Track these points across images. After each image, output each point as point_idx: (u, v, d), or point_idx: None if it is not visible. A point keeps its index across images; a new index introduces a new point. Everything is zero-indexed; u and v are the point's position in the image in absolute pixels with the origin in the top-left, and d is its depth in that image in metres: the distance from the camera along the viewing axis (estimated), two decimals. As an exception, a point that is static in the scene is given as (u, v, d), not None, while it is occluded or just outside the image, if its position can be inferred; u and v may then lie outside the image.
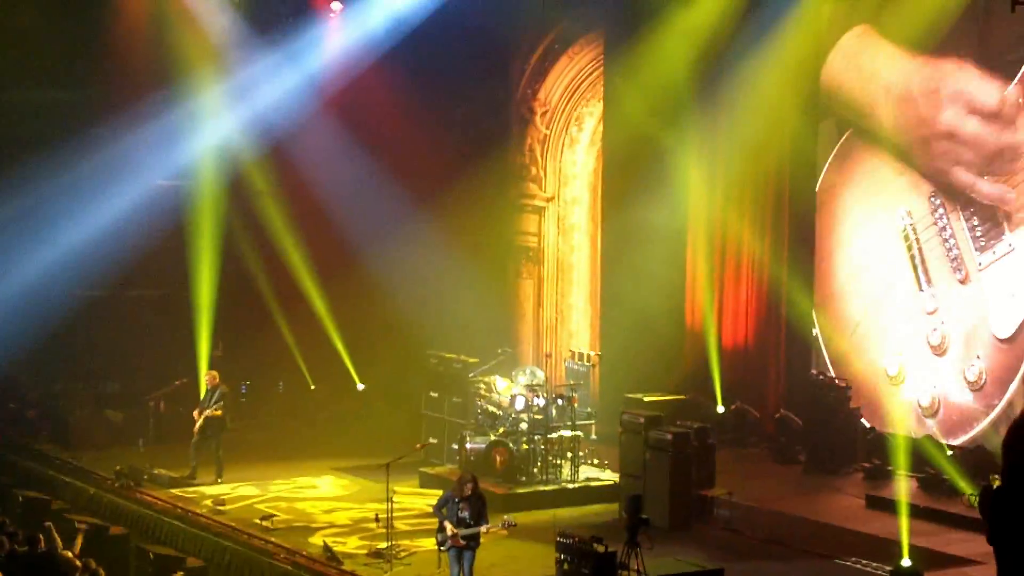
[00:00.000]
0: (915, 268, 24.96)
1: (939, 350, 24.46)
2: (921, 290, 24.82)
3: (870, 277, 25.92)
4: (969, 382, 23.98)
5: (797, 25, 26.26)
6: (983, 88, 23.63)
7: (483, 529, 18.91)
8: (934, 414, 24.41)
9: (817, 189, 26.65)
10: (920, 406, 24.59)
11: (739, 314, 28.16)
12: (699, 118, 27.72)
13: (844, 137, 26.29)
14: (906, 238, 25.07)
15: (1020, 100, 23.05)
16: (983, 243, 23.58)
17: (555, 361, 29.66)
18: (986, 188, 23.62)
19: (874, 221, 25.79)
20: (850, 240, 26.31)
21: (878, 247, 25.68)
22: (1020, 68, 23.02)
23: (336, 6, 30.88)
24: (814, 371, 26.54)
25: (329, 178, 29.87)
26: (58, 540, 18.45)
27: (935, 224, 24.50)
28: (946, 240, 24.29)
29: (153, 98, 29.60)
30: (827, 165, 26.54)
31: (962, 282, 24.08)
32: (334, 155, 29.98)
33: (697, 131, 27.78)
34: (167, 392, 26.86)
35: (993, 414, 23.45)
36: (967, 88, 23.90)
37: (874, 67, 25.71)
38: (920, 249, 24.78)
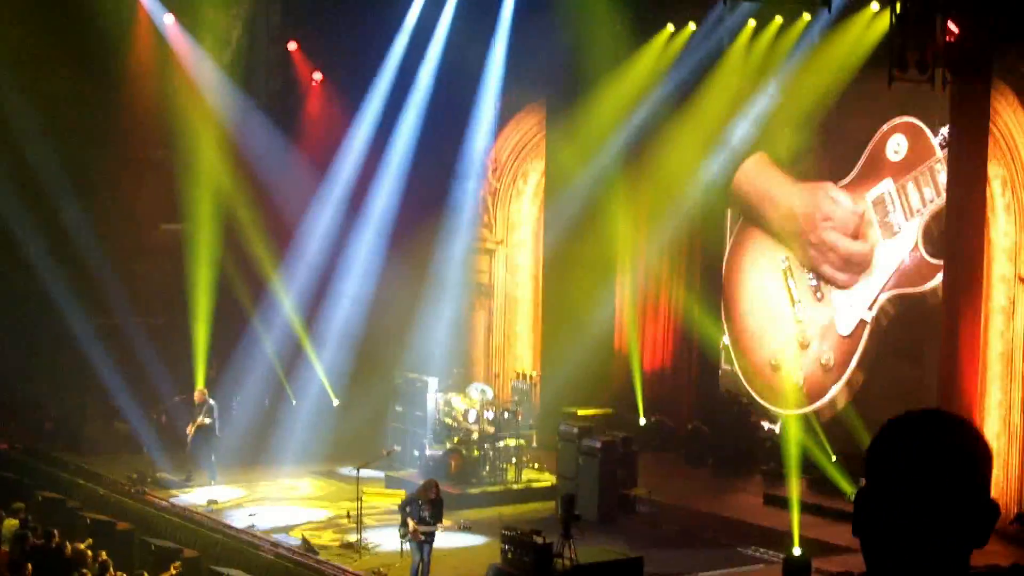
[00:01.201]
0: (789, 291, 26.24)
1: (804, 345, 26.21)
2: (793, 306, 26.25)
3: (761, 304, 27.02)
4: (822, 364, 25.64)
5: (710, 95, 26.69)
6: (844, 211, 25.79)
7: (440, 528, 19.20)
8: (801, 388, 25.91)
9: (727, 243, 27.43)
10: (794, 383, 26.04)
11: (658, 341, 28.46)
12: (626, 175, 27.95)
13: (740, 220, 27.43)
14: (783, 273, 26.29)
15: (866, 214, 25.28)
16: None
17: (502, 380, 29.71)
18: (842, 278, 25.67)
19: (763, 265, 26.84)
20: (748, 279, 27.22)
21: (767, 284, 27.01)
22: (864, 186, 24.88)
23: (317, 76, 31.04)
24: (723, 390, 26.95)
25: (310, 222, 29.89)
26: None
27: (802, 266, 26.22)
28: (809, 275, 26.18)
29: (160, 154, 29.77)
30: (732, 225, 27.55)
31: (819, 300, 25.70)
32: (315, 203, 30.01)
33: (625, 186, 27.96)
34: (168, 407, 26.80)
35: (839, 384, 25.64)
36: (833, 211, 25.92)
37: (768, 188, 26.75)
38: (793, 280, 26.19)
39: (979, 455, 3.27)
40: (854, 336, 25.75)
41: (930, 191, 24.29)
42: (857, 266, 25.75)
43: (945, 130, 23.59)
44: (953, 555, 3.22)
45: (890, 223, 25.20)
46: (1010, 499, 21.35)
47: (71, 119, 29.15)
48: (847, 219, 25.80)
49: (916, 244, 24.60)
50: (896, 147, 25.19)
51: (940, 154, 24.41)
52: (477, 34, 28.42)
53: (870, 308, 25.29)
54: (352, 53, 29.86)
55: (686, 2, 27.07)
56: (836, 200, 25.91)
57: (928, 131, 24.20)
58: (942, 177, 24.22)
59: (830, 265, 26.11)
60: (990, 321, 22.18)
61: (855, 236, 25.82)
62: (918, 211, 24.48)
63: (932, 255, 24.10)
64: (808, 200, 26.44)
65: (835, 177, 26.03)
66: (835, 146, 26.19)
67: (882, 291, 25.27)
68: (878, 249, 25.40)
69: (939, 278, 23.95)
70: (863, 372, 25.56)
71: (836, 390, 25.85)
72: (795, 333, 26.61)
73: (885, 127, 25.05)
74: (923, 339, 24.04)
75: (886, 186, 25.38)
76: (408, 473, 25.34)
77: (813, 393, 26.07)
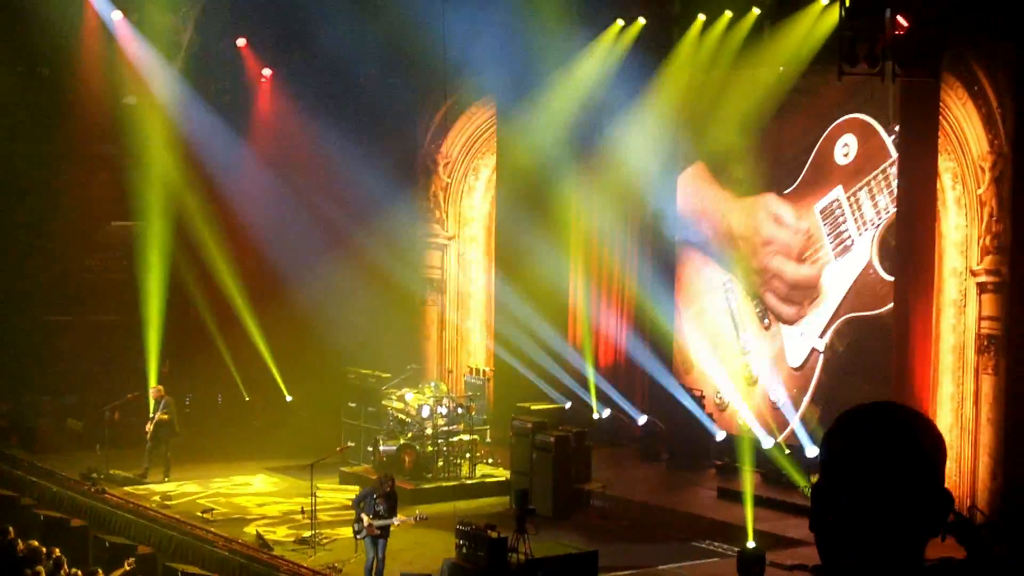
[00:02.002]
0: (732, 318, 25.86)
1: (751, 381, 25.68)
2: (737, 336, 25.96)
3: (704, 332, 26.74)
4: (771, 404, 25.11)
5: (660, 89, 26.55)
6: (788, 231, 25.14)
7: (395, 521, 19.02)
8: (749, 430, 25.15)
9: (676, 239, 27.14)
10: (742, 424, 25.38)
11: (612, 336, 28.33)
12: (578, 170, 27.80)
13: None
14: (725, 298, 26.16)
15: (813, 230, 24.60)
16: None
17: (456, 376, 29.46)
18: (787, 311, 25.00)
19: (704, 287, 26.81)
20: (692, 300, 26.95)
21: (708, 307, 26.75)
22: (810, 196, 24.40)
23: (266, 72, 30.81)
24: (677, 382, 26.77)
25: (262, 219, 29.63)
26: None
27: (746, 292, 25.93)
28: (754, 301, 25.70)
29: (110, 150, 29.50)
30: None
31: (766, 329, 25.30)
32: (267, 199, 29.81)
33: (576, 181, 27.82)
34: (121, 403, 26.57)
35: (793, 422, 24.56)
36: (775, 233, 25.36)
37: (704, 206, 26.57)
38: (736, 306, 26.11)
39: (932, 445, 3.29)
40: (807, 368, 24.94)
41: (884, 199, 23.85)
42: (804, 294, 24.88)
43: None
44: (908, 545, 3.23)
45: (842, 237, 24.59)
46: (963, 491, 21.23)
47: (20, 116, 28.93)
48: (791, 240, 25.02)
49: (870, 261, 24.02)
50: (845, 149, 24.81)
51: (896, 155, 24.02)
52: (428, 25, 28.20)
53: (822, 336, 24.81)
54: (301, 48, 29.68)
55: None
56: (779, 218, 25.14)
57: (881, 130, 23.86)
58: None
59: (774, 294, 25.16)
60: (942, 314, 22.06)
61: (801, 258, 25.02)
62: (872, 223, 23.87)
63: (889, 272, 23.44)
64: (747, 220, 25.76)
65: (778, 187, 25.42)
66: (778, 150, 25.79)
67: (835, 317, 24.42)
68: (828, 269, 24.46)
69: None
70: (818, 406, 24.41)
71: (787, 431, 24.74)
72: (740, 367, 25.95)
73: (832, 126, 24.79)
74: (884, 360, 23.49)
75: (836, 195, 25.01)
76: (362, 469, 25.21)
77: (765, 431, 25.08)
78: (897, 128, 22.79)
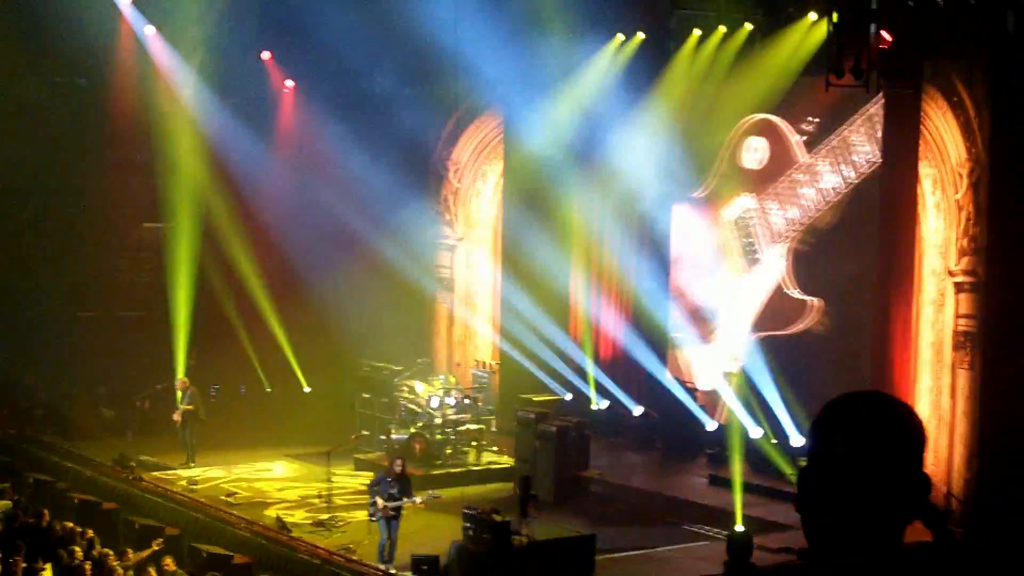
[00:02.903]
0: None
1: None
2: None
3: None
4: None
5: (657, 100, 26.43)
6: (696, 240, 25.81)
7: (413, 501, 18.96)
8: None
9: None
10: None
11: (610, 332, 28.16)
12: (579, 175, 27.67)
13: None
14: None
15: (723, 239, 24.76)
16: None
17: (463, 369, 29.39)
18: (689, 338, 25.45)
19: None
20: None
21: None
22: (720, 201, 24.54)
23: (289, 83, 30.73)
24: (670, 376, 26.62)
25: (283, 221, 29.61)
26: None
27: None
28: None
29: (141, 157, 29.45)
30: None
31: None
32: (288, 202, 29.76)
33: (578, 185, 27.70)
34: (150, 394, 26.63)
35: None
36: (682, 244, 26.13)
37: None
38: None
39: (914, 432, 3.30)
40: (714, 392, 25.08)
41: (795, 211, 23.71)
42: (705, 322, 24.73)
43: (809, 127, 23.59)
44: (890, 527, 3.24)
45: (752, 249, 24.34)
46: (940, 480, 21.07)
47: (60, 125, 29.02)
48: (699, 248, 24.95)
49: (782, 277, 23.73)
50: (755, 151, 24.66)
51: (805, 159, 23.99)
52: (440, 41, 28.16)
53: (735, 360, 24.67)
54: (321, 61, 29.58)
55: (635, 13, 26.74)
56: (687, 223, 25.04)
57: (788, 130, 23.78)
58: (809, 192, 24.00)
59: (679, 313, 25.24)
60: (921, 312, 21.93)
61: (708, 271, 24.88)
62: (781, 235, 23.71)
63: (802, 291, 23.07)
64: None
65: (689, 189, 25.23)
66: (690, 151, 25.67)
67: (748, 336, 24.35)
68: (738, 285, 24.43)
69: (810, 318, 23.69)
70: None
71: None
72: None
73: (739, 125, 24.63)
74: (802, 379, 23.40)
75: (745, 203, 24.92)
76: (375, 456, 25.08)
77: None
78: (807, 127, 22.71)
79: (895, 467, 3.24)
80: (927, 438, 3.30)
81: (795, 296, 23.74)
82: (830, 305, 24.13)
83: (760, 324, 24.78)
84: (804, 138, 23.22)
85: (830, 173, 23.90)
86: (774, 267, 23.86)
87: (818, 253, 24.21)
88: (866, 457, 3.23)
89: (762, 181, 24.53)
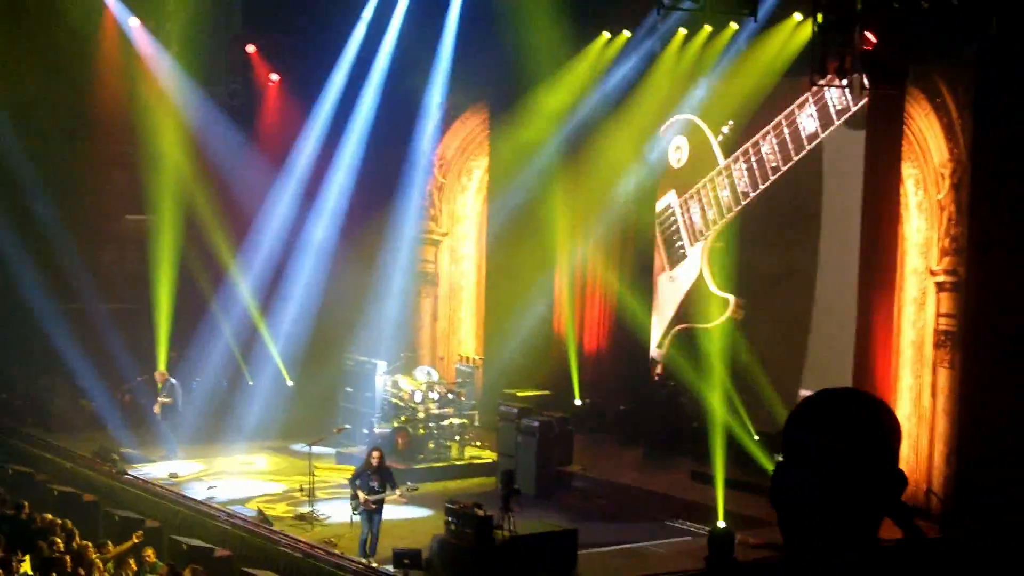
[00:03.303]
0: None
1: None
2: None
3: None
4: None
5: (642, 98, 26.52)
6: None
7: (393, 494, 19.01)
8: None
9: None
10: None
11: (594, 327, 28.27)
12: (565, 172, 27.72)
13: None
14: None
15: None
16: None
17: (447, 363, 29.40)
18: None
19: None
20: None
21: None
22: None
23: (274, 77, 30.74)
24: (655, 374, 26.70)
25: (266, 213, 29.62)
26: None
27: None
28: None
29: (125, 149, 29.41)
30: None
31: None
32: (271, 196, 29.75)
33: (562, 181, 27.72)
34: (131, 386, 26.56)
35: None
36: None
37: None
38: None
39: (889, 429, 3.38)
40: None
41: (713, 212, 23.97)
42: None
43: (726, 128, 23.90)
44: (864, 522, 3.27)
45: (676, 244, 24.59)
46: (920, 477, 21.23)
47: (43, 118, 28.90)
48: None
49: (700, 273, 24.03)
50: (677, 151, 24.94)
51: (722, 162, 24.27)
52: (426, 37, 28.21)
53: (659, 346, 24.88)
54: (307, 56, 29.65)
55: (621, 11, 26.84)
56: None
57: (709, 133, 24.12)
58: (725, 194, 24.32)
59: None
60: (903, 311, 22.08)
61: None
62: (701, 233, 24.04)
63: (718, 287, 23.31)
64: None
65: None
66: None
67: (670, 326, 24.58)
68: (662, 279, 24.64)
69: (726, 314, 24.00)
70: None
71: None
72: None
73: (665, 124, 24.88)
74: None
75: (671, 199, 25.22)
76: (357, 450, 24.99)
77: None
78: (724, 128, 22.93)
79: (870, 463, 3.28)
80: (901, 434, 3.36)
81: (714, 292, 24.17)
82: (746, 301, 24.59)
83: (682, 316, 25.15)
84: (720, 139, 23.70)
85: (745, 175, 24.38)
86: (695, 265, 24.33)
87: (735, 251, 24.85)
88: (841, 453, 3.26)
89: (686, 181, 24.91)
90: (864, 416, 3.34)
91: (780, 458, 3.48)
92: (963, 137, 20.77)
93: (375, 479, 19.08)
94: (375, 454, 19.50)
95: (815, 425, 3.32)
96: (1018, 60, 19.98)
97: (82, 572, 17.10)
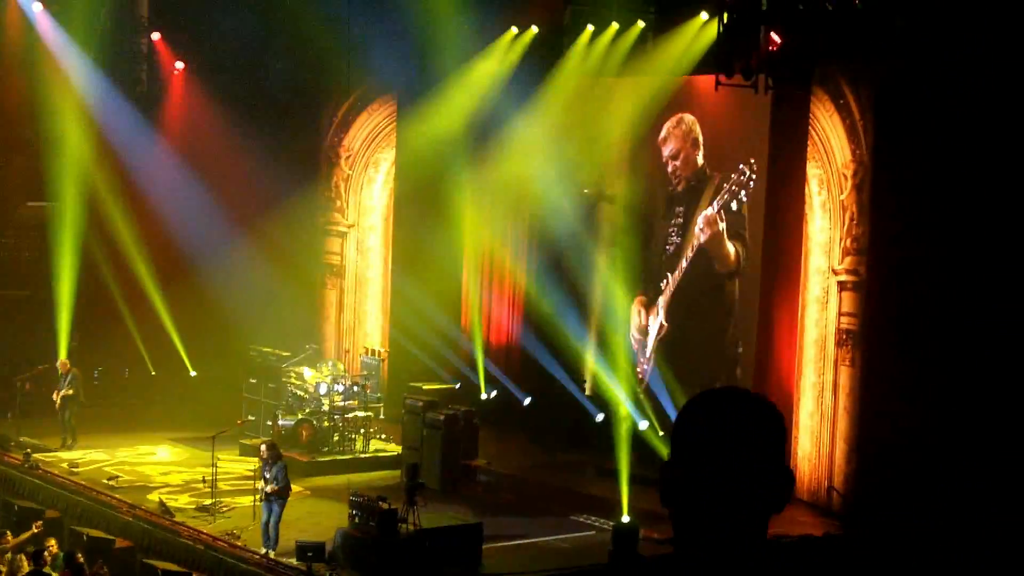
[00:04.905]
0: None
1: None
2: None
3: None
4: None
5: (549, 94, 26.70)
6: None
7: (273, 487, 19.05)
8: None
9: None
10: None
11: (502, 320, 28.39)
12: (472, 166, 27.79)
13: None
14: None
15: None
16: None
17: (352, 356, 29.27)
18: None
19: None
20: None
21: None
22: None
23: (179, 64, 30.56)
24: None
25: (171, 203, 29.30)
26: None
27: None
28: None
29: (26, 135, 29.11)
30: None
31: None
32: (176, 185, 29.51)
33: (470, 174, 27.81)
34: (32, 375, 26.24)
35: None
36: None
37: None
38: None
39: (774, 425, 3.34)
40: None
41: None
42: None
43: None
44: (753, 520, 3.28)
45: None
46: (822, 474, 21.58)
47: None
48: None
49: None
50: None
51: None
52: (332, 25, 28.14)
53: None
54: (212, 43, 29.41)
55: (529, 6, 27.00)
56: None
57: None
58: None
59: None
60: (806, 310, 22.42)
61: None
62: None
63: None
64: None
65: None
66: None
67: None
68: None
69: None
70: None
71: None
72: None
73: None
74: None
75: None
76: (260, 441, 24.93)
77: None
78: None
79: (757, 461, 3.30)
80: (785, 428, 3.43)
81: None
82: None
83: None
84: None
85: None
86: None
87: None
88: (727, 451, 3.29)
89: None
90: (749, 414, 3.35)
91: (665, 458, 3.53)
92: (865, 138, 21.11)
93: (267, 470, 19.22)
94: (262, 447, 19.66)
95: (700, 424, 3.36)
96: (920, 63, 20.35)
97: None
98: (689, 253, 24.60)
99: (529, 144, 26.77)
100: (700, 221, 24.33)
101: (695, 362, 24.32)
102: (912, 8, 20.37)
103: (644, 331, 25.62)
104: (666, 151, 25.13)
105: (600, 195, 26.31)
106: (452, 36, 26.78)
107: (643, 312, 25.66)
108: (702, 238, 24.26)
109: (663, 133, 25.12)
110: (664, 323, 25.10)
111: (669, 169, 25.10)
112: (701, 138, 24.66)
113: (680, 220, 24.95)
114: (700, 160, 24.61)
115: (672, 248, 25.03)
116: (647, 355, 25.39)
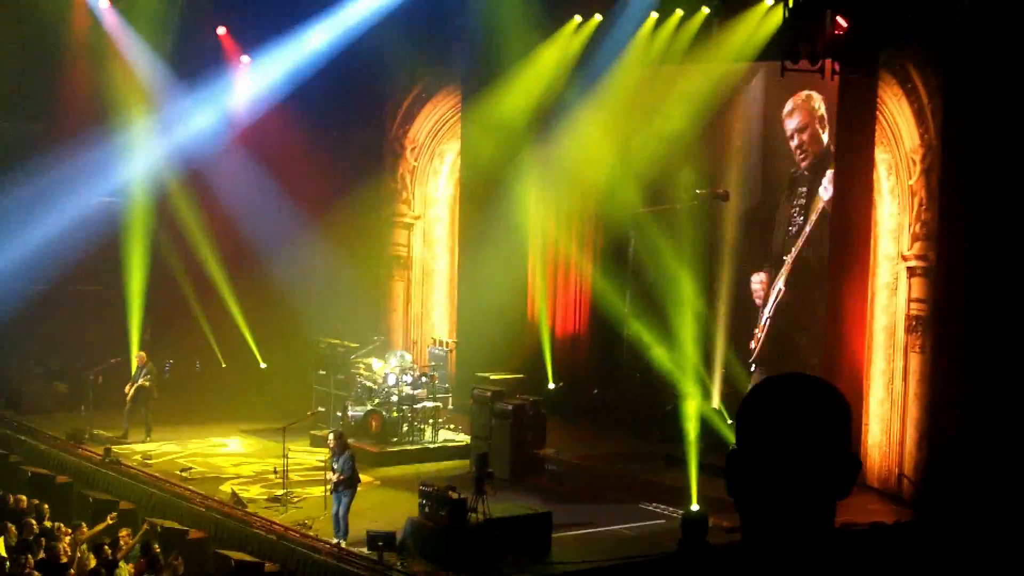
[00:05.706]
0: None
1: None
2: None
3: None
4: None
5: (613, 82, 26.66)
6: None
7: (340, 476, 19.13)
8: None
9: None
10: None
11: (568, 310, 28.36)
12: (536, 155, 27.80)
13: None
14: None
15: None
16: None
17: (420, 347, 29.40)
18: None
19: None
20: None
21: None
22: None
23: (245, 59, 30.71)
24: (626, 358, 26.83)
25: (239, 197, 29.48)
26: None
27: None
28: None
29: (92, 129, 29.36)
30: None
31: None
32: (244, 179, 29.62)
33: (535, 166, 27.81)
34: (104, 368, 26.42)
35: None
36: None
37: None
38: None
39: (839, 412, 3.47)
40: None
41: None
42: None
43: None
44: (820, 506, 3.40)
45: None
46: (892, 461, 21.41)
47: (14, 98, 28.85)
48: None
49: None
50: None
51: None
52: (398, 18, 28.22)
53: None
54: (277, 37, 29.50)
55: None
56: None
57: None
58: None
59: None
60: (876, 297, 22.26)
61: None
62: None
63: None
64: None
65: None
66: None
67: None
68: None
69: None
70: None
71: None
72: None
73: None
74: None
75: None
76: (328, 432, 25.08)
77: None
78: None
79: (819, 446, 3.44)
80: (851, 414, 3.47)
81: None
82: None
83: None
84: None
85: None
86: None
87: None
88: (793, 438, 3.43)
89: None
90: (814, 400, 3.46)
91: (732, 447, 3.59)
92: (933, 122, 20.91)
93: (335, 460, 19.34)
94: (330, 437, 19.73)
95: (765, 413, 3.47)
96: (988, 43, 20.10)
97: (65, 552, 17.17)
98: (807, 229, 24.55)
99: (593, 134, 26.69)
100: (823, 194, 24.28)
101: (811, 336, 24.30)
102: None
103: (764, 301, 25.54)
104: (791, 124, 24.95)
105: (713, 194, 25.98)
106: (515, 25, 26.83)
107: (764, 283, 25.59)
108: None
109: (789, 106, 24.99)
110: (783, 288, 25.07)
111: (795, 142, 24.92)
112: (826, 116, 24.40)
113: (803, 201, 24.91)
114: (825, 139, 24.37)
115: (795, 229, 24.99)
116: (762, 324, 25.32)
